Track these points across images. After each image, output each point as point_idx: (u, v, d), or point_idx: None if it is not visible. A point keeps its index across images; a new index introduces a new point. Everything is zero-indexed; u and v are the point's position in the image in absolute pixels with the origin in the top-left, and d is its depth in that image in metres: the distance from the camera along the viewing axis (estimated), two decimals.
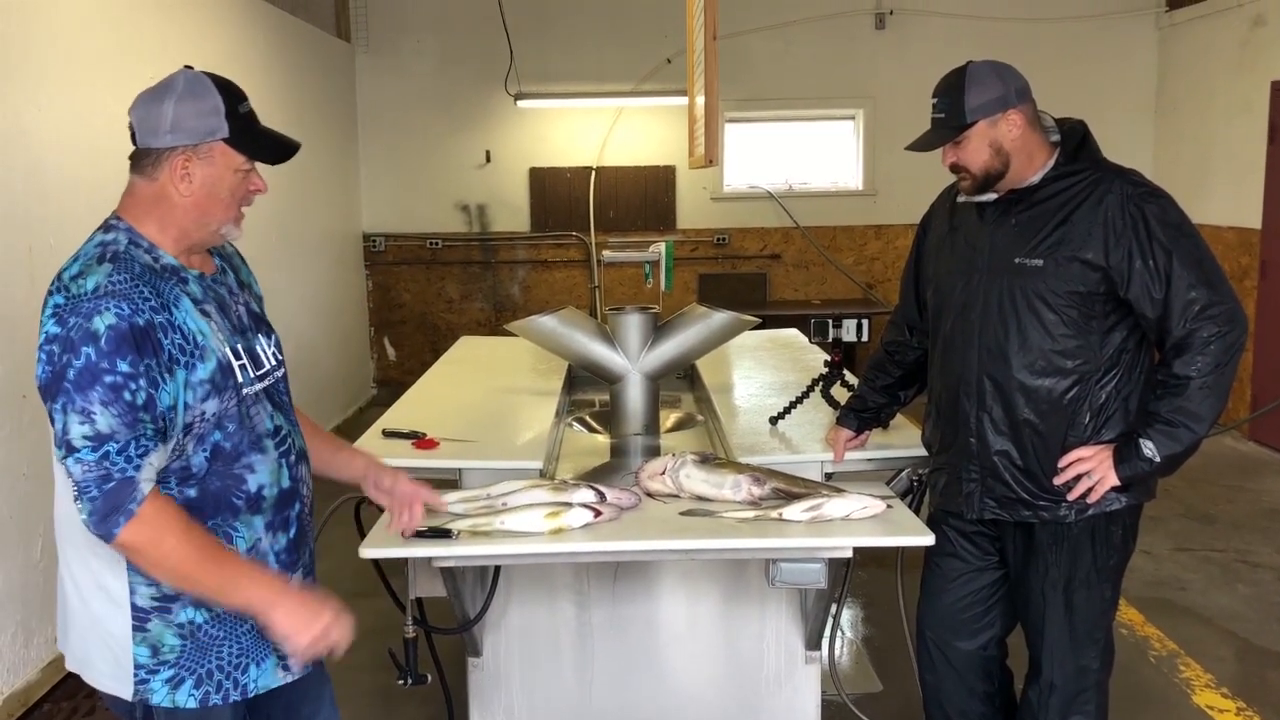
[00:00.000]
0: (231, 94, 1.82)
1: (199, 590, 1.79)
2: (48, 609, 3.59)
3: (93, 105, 3.96)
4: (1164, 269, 2.23)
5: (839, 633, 3.98)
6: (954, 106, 2.32)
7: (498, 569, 2.60)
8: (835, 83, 8.16)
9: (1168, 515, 5.26)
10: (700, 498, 2.45)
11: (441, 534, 2.25)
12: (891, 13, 8.04)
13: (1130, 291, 2.26)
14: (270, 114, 5.67)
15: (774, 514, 2.33)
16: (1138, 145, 7.84)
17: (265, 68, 6.07)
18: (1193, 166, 7.49)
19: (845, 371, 3.19)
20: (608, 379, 3.22)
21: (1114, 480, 2.30)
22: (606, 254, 5.00)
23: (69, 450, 1.68)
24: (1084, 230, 2.28)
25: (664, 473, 2.50)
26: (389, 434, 2.90)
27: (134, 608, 1.80)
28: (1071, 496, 2.34)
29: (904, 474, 2.79)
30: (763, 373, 3.86)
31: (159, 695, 1.82)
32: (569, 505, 2.30)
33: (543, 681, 2.93)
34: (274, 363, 1.98)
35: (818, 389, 3.13)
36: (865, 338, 3.05)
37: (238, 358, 1.86)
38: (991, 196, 2.40)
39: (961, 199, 2.48)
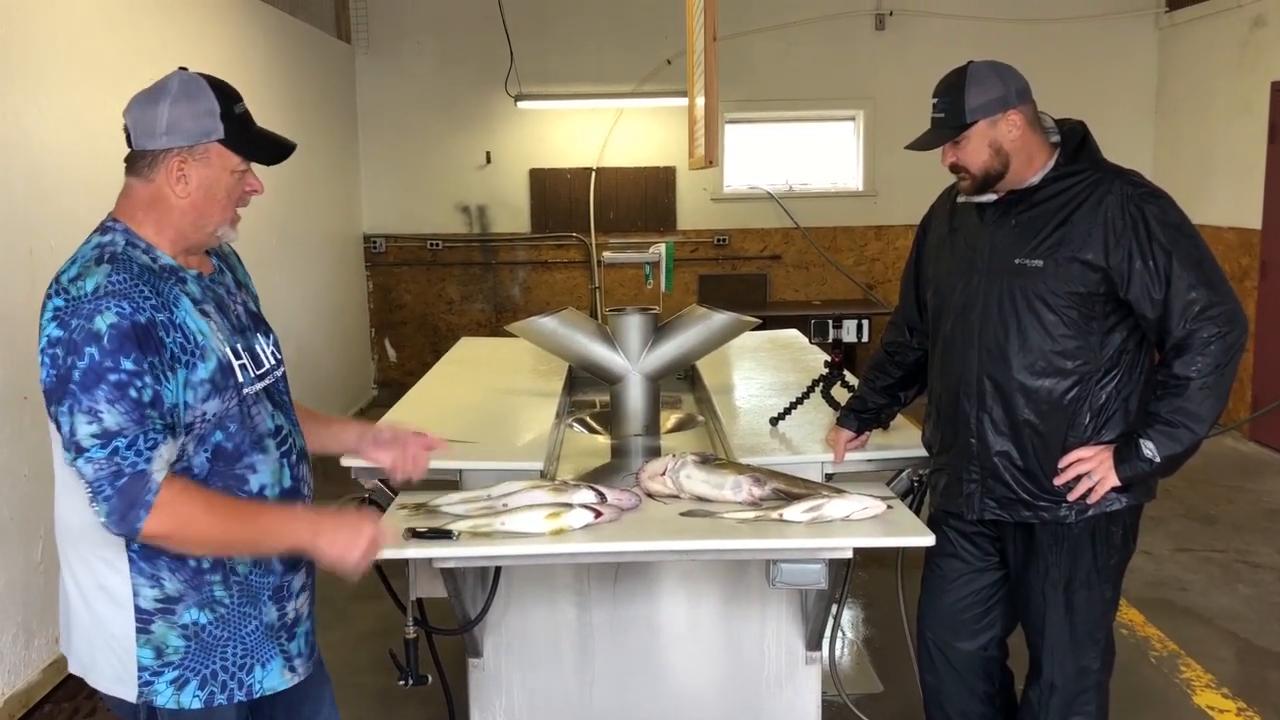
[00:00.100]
0: (226, 95, 1.82)
1: (239, 552, 1.83)
2: (49, 610, 3.59)
3: (93, 106, 3.96)
4: (1164, 269, 2.23)
5: (840, 633, 3.98)
6: (954, 106, 2.32)
7: (498, 570, 2.60)
8: (835, 83, 8.16)
9: (1168, 516, 5.26)
10: (701, 498, 2.45)
11: (442, 535, 2.26)
12: (891, 14, 8.05)
13: (1130, 292, 2.26)
14: (270, 115, 5.68)
15: (774, 515, 2.33)
16: (1138, 146, 7.84)
17: (265, 69, 6.08)
18: (1193, 167, 7.49)
19: (845, 372, 3.19)
20: (608, 380, 3.22)
21: (1114, 481, 2.30)
22: (607, 255, 5.00)
23: (78, 451, 1.68)
24: (1084, 231, 2.28)
25: (664, 473, 2.50)
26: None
27: (137, 609, 1.80)
28: (1072, 497, 2.34)
29: (904, 475, 2.79)
30: (763, 373, 3.86)
31: (163, 697, 1.83)
32: (569, 506, 2.30)
33: (543, 682, 2.93)
34: (273, 362, 1.98)
35: (818, 390, 3.13)
36: (865, 338, 3.05)
37: (238, 357, 1.86)
38: (991, 197, 2.40)
39: (961, 199, 2.48)
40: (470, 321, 8.40)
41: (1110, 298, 2.30)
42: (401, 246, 8.33)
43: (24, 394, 3.49)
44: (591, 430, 3.38)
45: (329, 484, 2.60)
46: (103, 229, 1.82)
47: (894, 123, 7.88)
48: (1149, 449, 2.25)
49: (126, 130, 1.81)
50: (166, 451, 1.72)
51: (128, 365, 1.68)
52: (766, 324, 4.05)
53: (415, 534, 2.26)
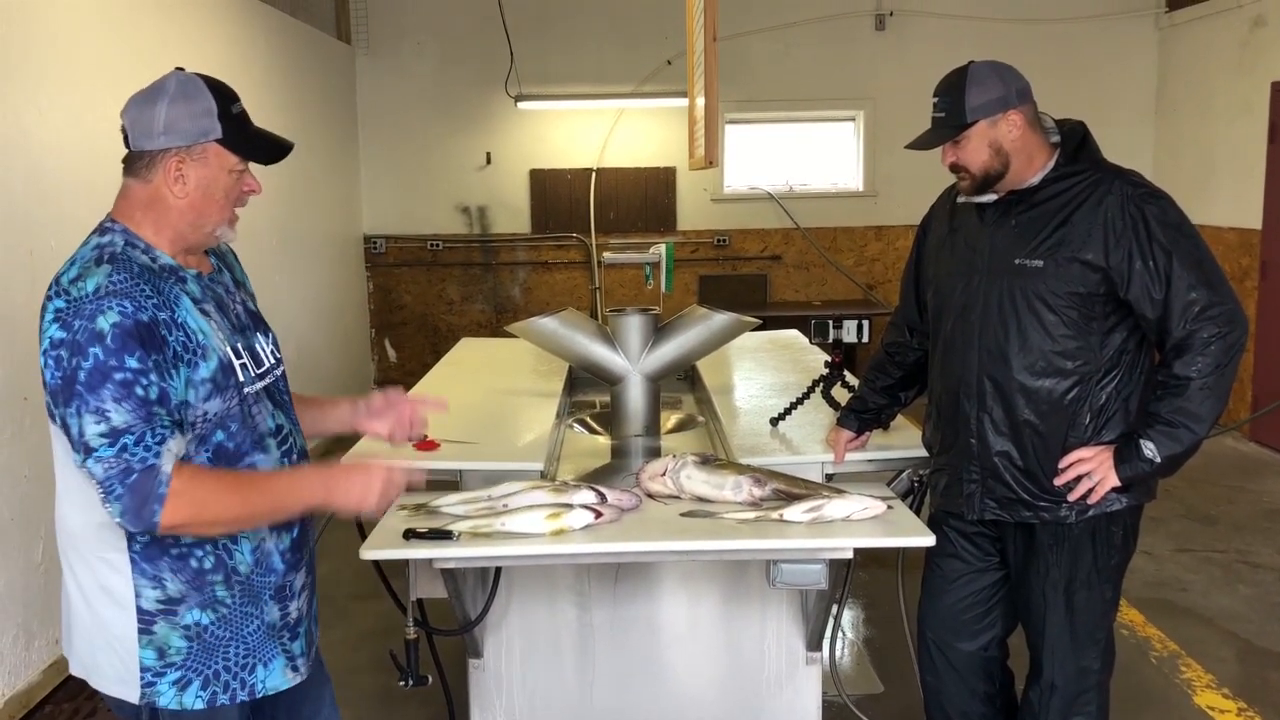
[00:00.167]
0: (224, 95, 1.82)
1: (258, 524, 1.84)
2: (49, 611, 3.59)
3: (93, 107, 3.96)
4: (1164, 270, 2.23)
5: (840, 634, 3.98)
6: (954, 106, 2.32)
7: (498, 570, 2.60)
8: (835, 84, 8.16)
9: (1168, 516, 5.26)
10: (701, 499, 2.45)
11: (442, 535, 2.26)
12: (891, 14, 8.04)
13: (1130, 292, 2.26)
14: (270, 116, 5.63)
15: (775, 515, 2.33)
16: (1138, 146, 7.84)
17: (265, 69, 6.08)
18: (1193, 167, 7.49)
19: (846, 372, 3.19)
20: (608, 380, 3.23)
21: (1114, 481, 2.30)
22: (607, 255, 5.00)
23: (87, 452, 1.68)
24: (1084, 231, 2.28)
25: (665, 474, 2.50)
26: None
27: (139, 610, 1.80)
28: (1072, 497, 2.34)
29: (904, 475, 2.79)
30: (763, 374, 3.86)
31: (166, 697, 1.83)
32: (570, 506, 2.30)
33: (543, 683, 2.93)
34: (273, 361, 1.98)
35: (818, 390, 3.13)
36: (866, 339, 3.06)
37: (238, 356, 1.86)
38: (991, 197, 2.40)
39: (961, 200, 2.48)
40: (470, 322, 8.40)
41: (1110, 298, 2.30)
42: (402, 247, 8.33)
43: (24, 395, 3.49)
44: (592, 431, 3.38)
45: None
46: (101, 230, 1.82)
47: (894, 123, 7.88)
48: (1149, 449, 2.25)
49: (124, 130, 1.81)
50: (175, 445, 1.71)
51: (132, 364, 1.68)
52: (767, 324, 4.05)
53: (415, 534, 2.26)
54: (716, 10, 4.16)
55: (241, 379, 1.85)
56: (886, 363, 2.76)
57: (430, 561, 2.31)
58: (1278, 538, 5.03)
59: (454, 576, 2.45)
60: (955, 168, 2.40)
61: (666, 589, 2.91)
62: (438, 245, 8.32)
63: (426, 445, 2.78)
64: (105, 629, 1.83)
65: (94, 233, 1.82)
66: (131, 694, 1.83)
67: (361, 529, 2.72)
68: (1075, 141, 2.38)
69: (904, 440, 2.82)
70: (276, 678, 1.93)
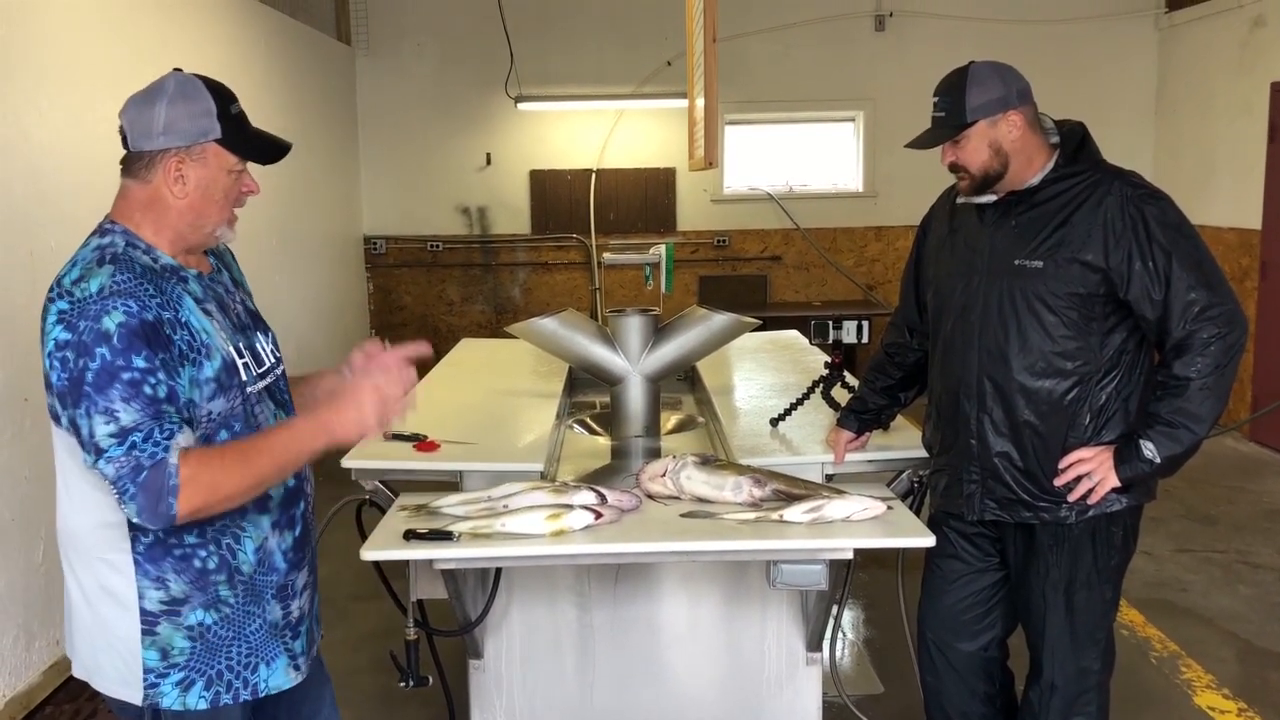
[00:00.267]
0: (222, 95, 1.83)
1: (270, 485, 1.82)
2: (49, 612, 3.59)
3: (93, 108, 3.96)
4: (1163, 270, 2.24)
5: (840, 634, 3.98)
6: (955, 105, 2.33)
7: (499, 571, 2.60)
8: (835, 85, 8.17)
9: (1168, 516, 5.26)
10: (701, 499, 2.45)
11: (442, 536, 2.26)
12: (891, 15, 8.05)
13: (1130, 293, 2.27)
14: (270, 117, 5.62)
15: (775, 515, 2.33)
16: (1138, 147, 7.84)
17: (265, 70, 6.08)
18: (1193, 168, 7.49)
19: (846, 373, 3.19)
20: (608, 381, 3.23)
21: (1114, 481, 2.30)
22: (607, 256, 4.99)
23: (98, 453, 1.68)
24: (1084, 232, 2.28)
25: (665, 474, 2.50)
26: (390, 436, 2.89)
27: (143, 611, 1.80)
28: (1072, 498, 2.34)
29: (904, 475, 2.80)
30: (763, 374, 3.86)
31: (169, 698, 1.83)
32: (570, 507, 2.30)
33: (544, 683, 2.93)
34: (274, 360, 1.99)
35: (818, 390, 3.13)
36: (865, 339, 3.06)
37: (240, 356, 1.86)
38: (990, 198, 2.40)
39: (961, 200, 2.49)
40: (470, 323, 8.41)
41: (1110, 299, 2.30)
42: (402, 248, 8.34)
43: (24, 396, 3.49)
44: (592, 431, 3.39)
45: (329, 484, 2.60)
46: (101, 231, 1.82)
47: (894, 124, 7.88)
48: (1149, 450, 2.26)
49: (122, 131, 1.81)
50: (183, 440, 1.71)
51: (140, 363, 1.68)
52: (767, 325, 4.05)
53: (416, 535, 2.26)
54: (716, 11, 4.16)
55: (244, 378, 1.85)
56: (886, 363, 2.76)
57: (430, 562, 2.31)
58: (1278, 538, 5.03)
59: (454, 577, 2.46)
60: (955, 168, 2.40)
61: (667, 590, 2.91)
62: (438, 246, 8.32)
63: (427, 447, 2.78)
64: (107, 630, 1.83)
65: (93, 234, 1.82)
66: (134, 695, 1.83)
67: (362, 529, 2.72)
68: (1075, 142, 2.38)
69: (904, 441, 2.82)
70: (279, 677, 1.93)
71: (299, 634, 1.98)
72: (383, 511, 2.54)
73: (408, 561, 2.41)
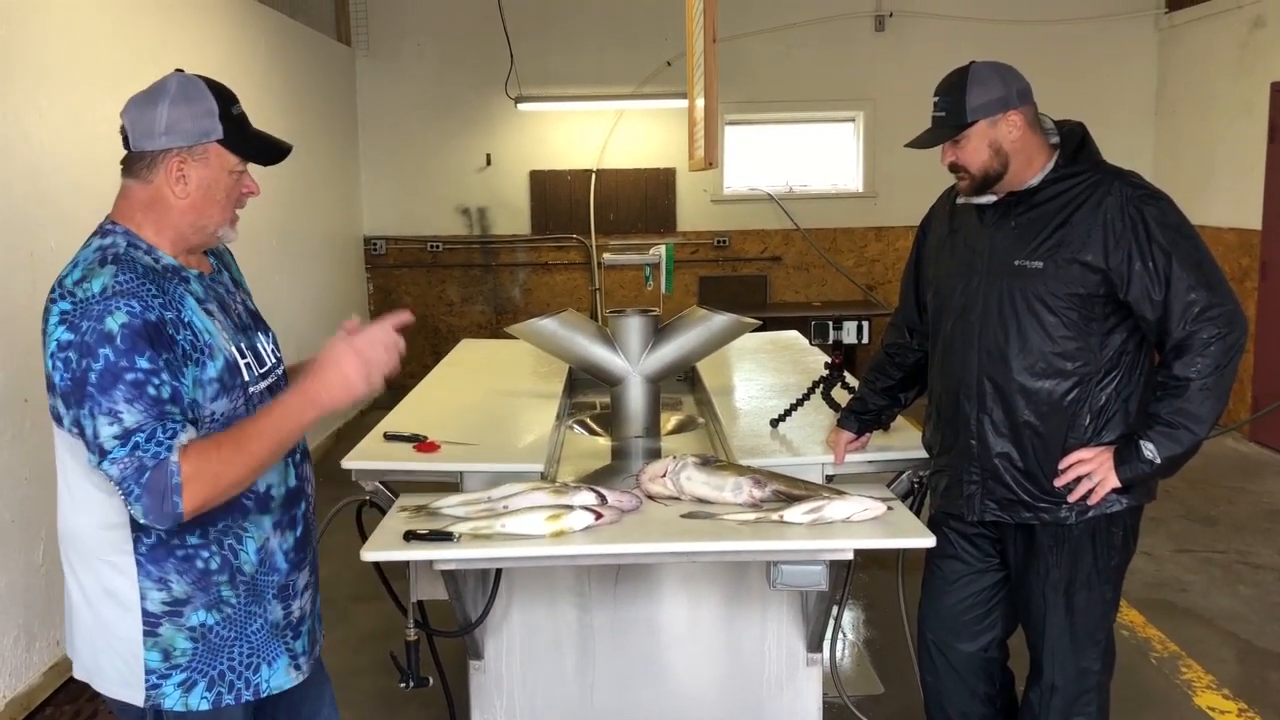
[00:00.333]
0: (224, 96, 1.83)
1: (269, 465, 1.80)
2: (50, 612, 3.59)
3: (93, 108, 3.96)
4: (1163, 271, 2.24)
5: (840, 635, 3.98)
6: (955, 105, 2.33)
7: (499, 572, 2.60)
8: (835, 85, 8.17)
9: (1169, 516, 5.26)
10: (701, 500, 2.45)
11: (443, 537, 2.26)
12: (891, 15, 8.05)
13: (1130, 293, 2.27)
14: (270, 117, 5.62)
15: (775, 516, 2.33)
16: (1138, 147, 7.84)
17: (265, 71, 6.08)
18: (1193, 168, 7.49)
19: (846, 373, 3.19)
20: (608, 381, 3.23)
21: (1114, 482, 2.30)
22: (607, 257, 4.99)
23: (102, 454, 1.68)
24: (1083, 232, 2.28)
25: (665, 475, 2.50)
26: (390, 437, 2.90)
27: (145, 613, 1.80)
28: (1072, 498, 2.34)
29: (905, 476, 2.80)
30: (763, 375, 3.86)
31: (171, 699, 1.83)
32: (570, 508, 2.30)
33: (544, 684, 2.93)
34: (274, 361, 1.99)
35: (818, 391, 3.13)
36: (866, 339, 3.07)
37: (243, 356, 1.87)
38: (990, 198, 2.40)
39: (961, 200, 2.49)
40: (470, 323, 8.41)
41: (1110, 299, 2.30)
42: (402, 248, 8.34)
43: (24, 397, 3.49)
44: (592, 432, 3.39)
45: (330, 485, 2.61)
46: (102, 232, 1.82)
47: (894, 124, 7.88)
48: (1149, 450, 2.26)
49: (124, 131, 1.81)
50: (186, 439, 1.71)
51: (143, 364, 1.68)
52: (767, 325, 4.06)
53: (416, 536, 2.27)
54: (716, 11, 4.16)
55: (247, 378, 1.86)
56: (886, 364, 2.76)
57: (431, 563, 2.31)
58: (1278, 538, 5.03)
59: (454, 578, 2.45)
60: (954, 167, 2.40)
61: (667, 590, 2.91)
62: (438, 246, 8.32)
63: (427, 447, 2.79)
64: (108, 632, 1.83)
65: (94, 234, 1.82)
66: (136, 697, 1.83)
67: (362, 530, 2.72)
68: (1075, 143, 2.38)
69: (904, 441, 2.82)
70: (280, 676, 1.93)
71: (300, 634, 1.98)
72: (383, 512, 2.54)
73: (408, 562, 2.41)
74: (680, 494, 2.47)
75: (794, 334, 4.73)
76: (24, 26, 3.62)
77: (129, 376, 1.67)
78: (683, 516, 2.38)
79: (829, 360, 3.16)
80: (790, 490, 2.42)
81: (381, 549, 2.27)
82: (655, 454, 3.06)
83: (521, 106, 8.02)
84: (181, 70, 1.86)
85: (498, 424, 3.13)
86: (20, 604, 3.52)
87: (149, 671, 1.82)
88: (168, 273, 1.80)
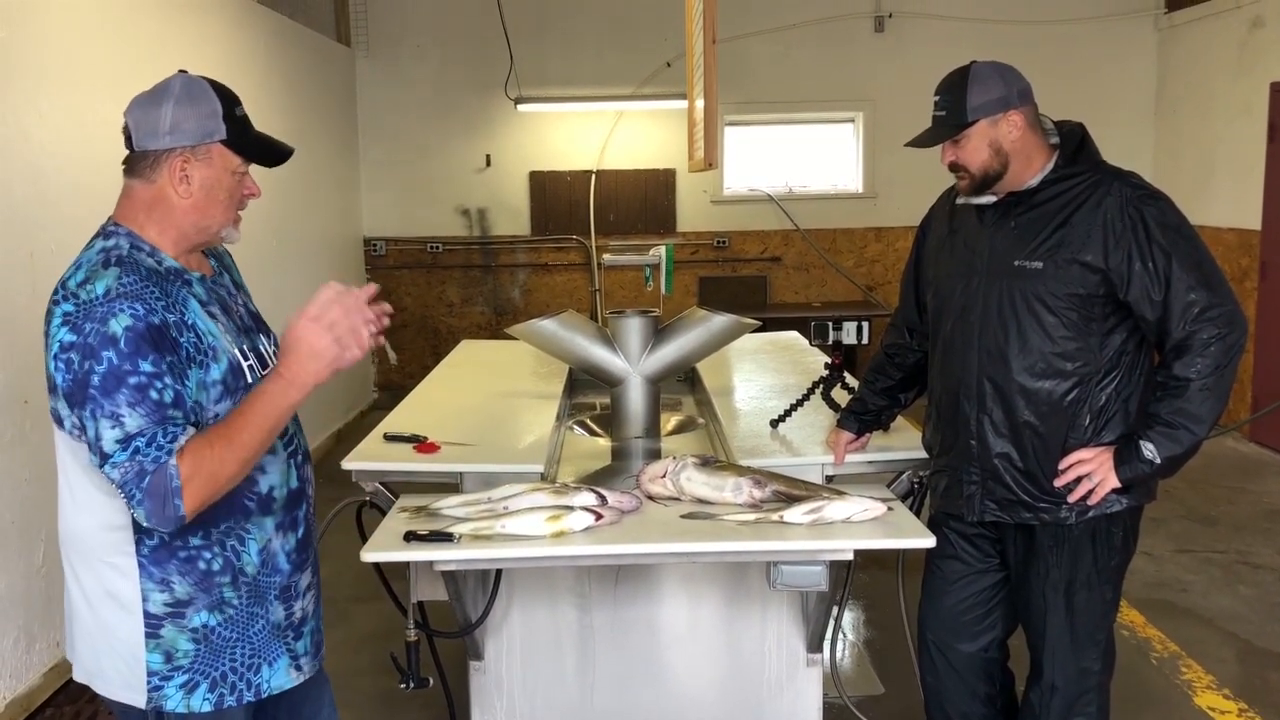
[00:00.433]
0: (227, 97, 1.84)
1: (262, 454, 1.79)
2: (50, 614, 3.59)
3: (93, 109, 3.97)
4: (1163, 271, 2.24)
5: (840, 635, 3.98)
6: (955, 105, 2.33)
7: (499, 572, 2.61)
8: (834, 86, 8.17)
9: (1169, 517, 5.26)
10: (701, 500, 2.45)
11: (443, 537, 2.26)
12: (890, 15, 8.05)
13: (1130, 294, 2.27)
14: (270, 118, 5.61)
15: (775, 516, 2.33)
16: (1137, 147, 7.84)
17: (265, 72, 6.08)
18: (1192, 168, 7.49)
19: (846, 374, 3.19)
20: (608, 382, 3.23)
21: (1114, 482, 2.30)
22: (607, 257, 5.00)
23: (104, 458, 1.68)
24: (1083, 232, 2.28)
25: (665, 475, 2.50)
26: (390, 438, 2.90)
27: (146, 614, 1.80)
28: (1072, 498, 2.34)
29: (905, 476, 2.80)
30: (763, 375, 3.86)
31: (173, 701, 1.83)
32: (570, 508, 2.30)
33: (544, 685, 2.93)
34: (275, 362, 1.98)
35: (818, 391, 3.13)
36: (865, 340, 3.06)
37: (245, 358, 1.87)
38: (990, 199, 2.40)
39: (960, 201, 2.49)
40: (470, 324, 8.41)
41: (1110, 299, 2.30)
42: (402, 249, 8.34)
43: (24, 398, 3.49)
44: (592, 433, 3.39)
45: (329, 486, 2.61)
46: (105, 233, 1.82)
47: (893, 124, 7.87)
48: (1149, 450, 2.26)
49: (127, 131, 1.82)
50: (184, 442, 1.71)
51: (146, 367, 1.68)
52: (766, 326, 4.06)
53: (416, 537, 2.27)
54: (716, 12, 4.16)
55: (250, 380, 1.86)
56: (886, 364, 2.76)
57: (431, 564, 2.31)
58: (1278, 538, 5.03)
59: (454, 579, 2.46)
60: (954, 167, 2.40)
61: (667, 591, 2.91)
62: (437, 247, 8.32)
63: (427, 448, 2.79)
64: (110, 634, 1.83)
65: (97, 236, 1.83)
66: (138, 699, 1.83)
67: (362, 531, 2.72)
68: (1074, 143, 2.38)
69: (904, 442, 2.82)
70: (281, 677, 1.93)
71: (301, 634, 1.98)
72: (383, 513, 2.54)
73: (408, 563, 2.41)
74: (680, 494, 2.47)
75: (794, 334, 4.73)
76: (24, 27, 3.63)
77: (132, 380, 1.67)
78: (683, 517, 2.38)
79: (829, 361, 3.16)
80: (790, 491, 2.42)
81: (382, 550, 2.27)
82: (655, 455, 3.06)
83: (521, 107, 8.02)
84: (185, 71, 1.86)
85: (498, 425, 3.13)
86: (20, 605, 3.51)
87: (151, 673, 1.82)
88: (171, 275, 1.80)
